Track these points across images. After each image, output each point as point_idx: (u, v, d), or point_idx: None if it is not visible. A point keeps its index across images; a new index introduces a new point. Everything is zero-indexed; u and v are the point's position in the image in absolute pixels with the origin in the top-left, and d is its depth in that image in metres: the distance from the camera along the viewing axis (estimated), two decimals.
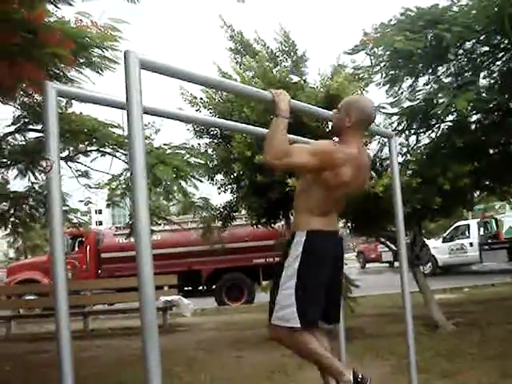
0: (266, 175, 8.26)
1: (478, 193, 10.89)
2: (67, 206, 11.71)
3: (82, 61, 7.32)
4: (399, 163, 4.39)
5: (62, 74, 7.06)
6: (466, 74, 9.00)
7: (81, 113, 9.38)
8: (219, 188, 9.96)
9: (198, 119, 5.30)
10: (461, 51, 8.95)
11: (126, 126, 2.13)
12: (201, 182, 9.93)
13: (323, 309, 3.37)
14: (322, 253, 3.30)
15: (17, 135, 10.16)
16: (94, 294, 14.58)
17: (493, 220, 22.40)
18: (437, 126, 9.41)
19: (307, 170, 3.30)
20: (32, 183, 10.99)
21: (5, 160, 10.46)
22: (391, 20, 8.77)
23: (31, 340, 11.31)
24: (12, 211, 11.52)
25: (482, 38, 8.43)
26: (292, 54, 9.47)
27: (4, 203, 11.51)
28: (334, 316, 3.60)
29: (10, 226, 11.89)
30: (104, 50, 7.56)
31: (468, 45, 8.79)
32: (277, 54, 9.59)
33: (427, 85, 9.47)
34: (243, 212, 11.62)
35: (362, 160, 3.41)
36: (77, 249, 18.24)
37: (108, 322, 13.47)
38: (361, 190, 3.70)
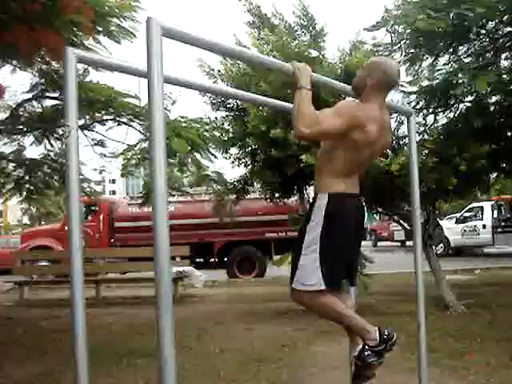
0: (280, 150, 8.24)
1: (494, 175, 10.81)
2: (82, 174, 11.76)
3: (99, 29, 7.31)
4: (416, 142, 4.34)
5: (79, 42, 7.05)
6: (488, 55, 8.87)
7: (98, 82, 9.37)
8: (233, 162, 9.95)
9: (217, 90, 5.27)
10: (483, 31, 8.81)
11: (144, 96, 2.12)
12: (215, 157, 9.95)
13: (346, 270, 3.38)
14: (344, 216, 3.25)
15: (34, 102, 10.17)
16: (106, 262, 14.72)
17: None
18: (455, 106, 9.32)
19: (338, 134, 3.22)
20: (48, 150, 11.04)
21: (21, 127, 10.50)
22: None
23: (43, 306, 11.45)
24: (27, 178, 11.60)
25: (505, 18, 8.29)
26: (311, 28, 9.35)
27: (19, 170, 11.59)
28: (355, 277, 3.58)
29: (24, 193, 11.97)
30: (122, 19, 7.54)
31: (491, 25, 8.65)
32: (295, 29, 9.49)
33: (447, 64, 9.36)
34: (257, 186, 11.62)
35: (385, 118, 3.35)
36: (90, 217, 18.35)
37: (119, 290, 13.59)
38: (383, 151, 3.62)
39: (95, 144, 10.84)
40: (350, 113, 3.15)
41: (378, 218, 28.44)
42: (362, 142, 3.18)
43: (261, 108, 8.32)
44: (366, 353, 3.28)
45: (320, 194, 3.28)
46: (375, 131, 3.19)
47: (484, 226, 22.61)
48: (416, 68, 9.34)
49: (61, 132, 9.89)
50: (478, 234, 22.75)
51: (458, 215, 24.32)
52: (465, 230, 23.05)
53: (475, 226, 22.88)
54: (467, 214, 23.62)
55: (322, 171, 3.35)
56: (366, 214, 3.72)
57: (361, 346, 3.31)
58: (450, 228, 22.73)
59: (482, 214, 23.06)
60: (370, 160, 3.52)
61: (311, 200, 3.40)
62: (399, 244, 30.32)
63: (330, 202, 3.23)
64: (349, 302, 3.49)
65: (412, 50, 8.81)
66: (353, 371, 3.38)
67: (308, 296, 3.26)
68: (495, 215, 22.80)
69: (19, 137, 11.02)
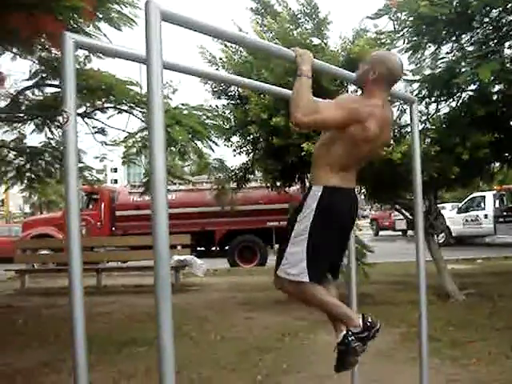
0: (282, 138, 8.21)
1: (497, 164, 10.76)
2: (82, 163, 11.75)
3: (100, 16, 7.27)
4: (418, 131, 4.29)
5: (79, 28, 7.00)
6: (491, 43, 8.80)
7: (99, 69, 9.31)
8: (235, 150, 9.93)
9: (217, 76, 5.23)
10: (486, 19, 8.74)
11: (145, 83, 2.08)
12: (216, 145, 9.90)
13: (331, 264, 3.35)
14: (336, 210, 3.19)
15: (34, 90, 10.13)
16: (107, 251, 14.72)
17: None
18: (458, 94, 9.26)
19: (336, 125, 3.18)
20: (48, 138, 11.00)
21: (22, 115, 10.46)
22: None
23: (44, 294, 11.46)
24: (28, 166, 11.57)
25: (509, 6, 8.23)
26: (314, 16, 9.30)
27: (20, 158, 11.56)
28: (337, 271, 3.54)
29: (25, 181, 11.95)
30: (123, 5, 7.49)
31: (494, 13, 8.58)
32: (298, 16, 9.43)
33: (450, 53, 9.30)
34: (258, 174, 11.61)
35: (386, 115, 3.31)
36: (91, 206, 18.36)
37: (120, 279, 13.60)
38: (384, 147, 3.54)
39: (96, 132, 10.79)
40: (351, 106, 3.10)
41: None
42: (361, 137, 3.12)
43: (262, 96, 8.29)
44: (349, 338, 3.25)
45: (314, 187, 3.24)
46: (374, 128, 3.13)
47: (486, 216, 22.56)
48: (419, 56, 9.28)
49: (61, 120, 9.87)
50: (480, 224, 22.70)
51: (453, 204, 24.32)
52: (466, 220, 23.01)
53: (477, 215, 22.83)
54: (469, 204, 23.59)
55: (318, 164, 3.31)
56: None
57: (344, 332, 3.28)
58: (452, 217, 22.68)
59: (484, 204, 23.01)
60: (369, 156, 3.46)
61: (306, 191, 3.36)
62: (401, 233, 30.31)
63: (323, 195, 3.18)
64: (333, 291, 3.47)
65: (415, 38, 8.75)
66: (336, 358, 3.34)
67: (291, 285, 3.24)
68: (497, 205, 22.74)
69: (20, 125, 10.98)
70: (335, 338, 3.34)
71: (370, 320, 3.28)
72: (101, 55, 8.06)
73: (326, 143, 3.27)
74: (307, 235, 3.15)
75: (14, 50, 8.17)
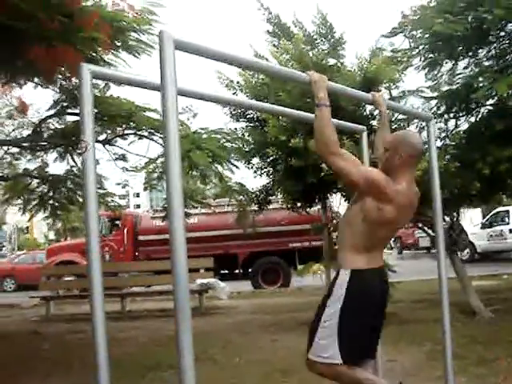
0: (301, 159, 8.23)
1: None
2: (105, 189, 11.89)
3: (118, 44, 7.38)
4: (438, 147, 4.29)
5: (99, 57, 7.12)
6: (508, 57, 8.78)
7: (118, 97, 9.45)
8: (255, 172, 9.95)
9: (234, 101, 5.30)
10: (502, 33, 8.73)
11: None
12: (237, 167, 9.96)
13: (367, 346, 3.35)
14: (366, 293, 3.22)
15: (56, 119, 10.29)
16: (131, 276, 14.78)
17: None
18: (476, 110, 9.23)
19: (349, 182, 3.20)
20: (71, 166, 11.15)
21: (44, 143, 10.62)
22: (430, 2, 8.60)
23: (69, 320, 11.51)
24: (51, 194, 11.71)
25: None
26: (329, 36, 9.35)
27: (43, 186, 11.71)
28: (373, 351, 3.52)
29: (49, 209, 12.09)
30: (140, 33, 7.60)
31: (510, 27, 8.57)
32: (314, 37, 9.49)
33: (467, 68, 9.29)
34: (279, 196, 11.62)
35: (410, 199, 3.30)
36: (114, 231, 18.48)
37: (145, 303, 13.62)
38: (403, 227, 3.59)
39: (117, 158, 10.92)
40: (373, 183, 3.11)
41: None
42: (379, 218, 3.15)
43: (280, 118, 8.33)
44: None
45: (342, 270, 3.26)
46: (394, 212, 3.15)
47: (510, 231, 22.26)
48: (435, 73, 9.28)
49: (80, 146, 10.00)
50: (505, 239, 22.38)
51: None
52: (491, 235, 22.70)
53: (501, 230, 22.53)
54: (493, 219, 23.30)
55: (343, 245, 3.34)
56: None
57: None
58: (476, 233, 22.42)
59: (509, 219, 22.73)
60: (392, 234, 3.50)
61: (334, 274, 3.38)
62: (425, 251, 30.01)
63: (351, 279, 3.20)
64: (370, 370, 3.45)
65: (431, 55, 8.76)
66: None
67: (324, 367, 3.26)
68: None
69: (42, 153, 11.15)
70: None
71: None
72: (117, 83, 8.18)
73: (348, 225, 3.30)
74: (337, 319, 3.17)
75: (36, 79, 8.33)
